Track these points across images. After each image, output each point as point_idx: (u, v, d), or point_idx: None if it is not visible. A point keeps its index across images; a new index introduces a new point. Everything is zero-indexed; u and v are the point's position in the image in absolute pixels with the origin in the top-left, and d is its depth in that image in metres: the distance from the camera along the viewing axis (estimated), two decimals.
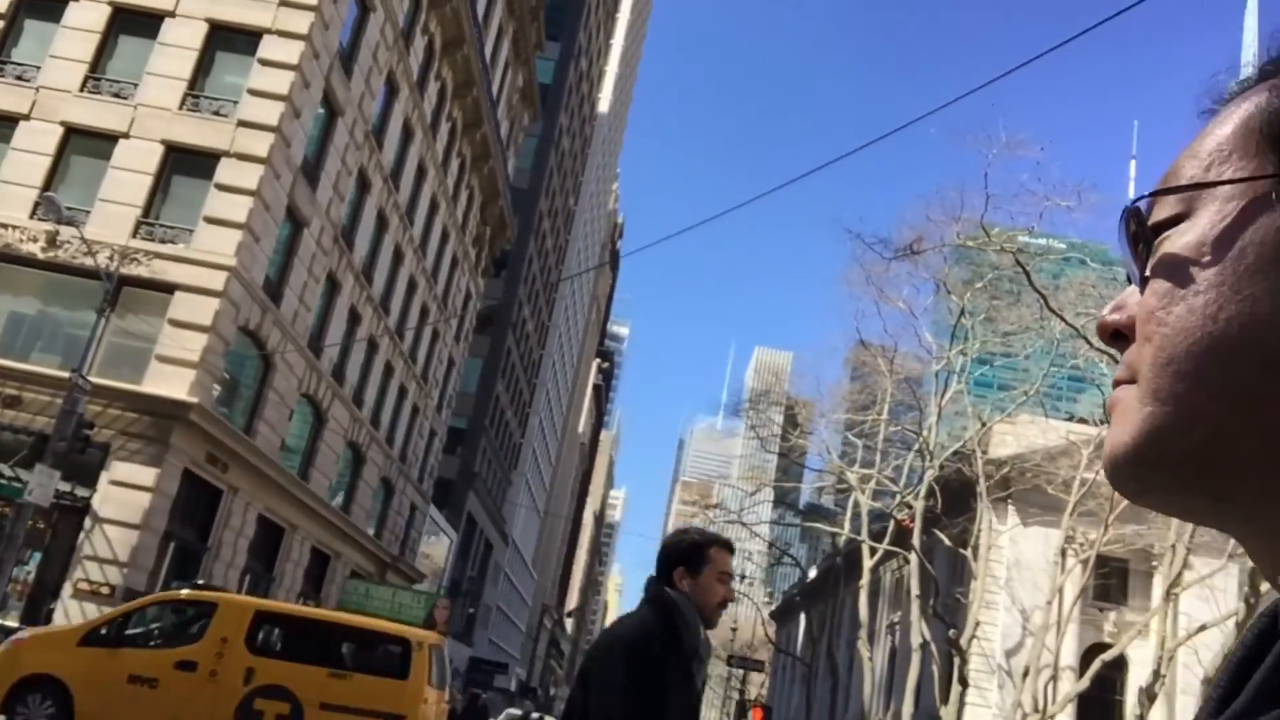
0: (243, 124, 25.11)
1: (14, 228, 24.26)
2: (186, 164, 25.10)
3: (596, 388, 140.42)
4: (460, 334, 50.24)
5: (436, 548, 54.18)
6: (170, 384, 23.17)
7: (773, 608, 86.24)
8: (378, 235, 34.72)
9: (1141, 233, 0.63)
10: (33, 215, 24.48)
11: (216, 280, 23.96)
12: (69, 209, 24.53)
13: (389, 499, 42.05)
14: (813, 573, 64.24)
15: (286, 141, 25.74)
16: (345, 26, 28.45)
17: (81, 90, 25.50)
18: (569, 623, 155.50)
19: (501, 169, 48.78)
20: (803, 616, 66.19)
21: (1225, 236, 0.57)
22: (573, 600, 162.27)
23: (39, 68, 25.75)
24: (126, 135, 25.05)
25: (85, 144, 25.22)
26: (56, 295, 24.72)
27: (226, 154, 24.91)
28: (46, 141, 25.05)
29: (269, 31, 25.93)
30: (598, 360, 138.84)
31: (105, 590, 22.11)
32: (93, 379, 22.97)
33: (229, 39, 26.09)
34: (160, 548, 23.62)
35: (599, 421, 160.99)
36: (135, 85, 25.55)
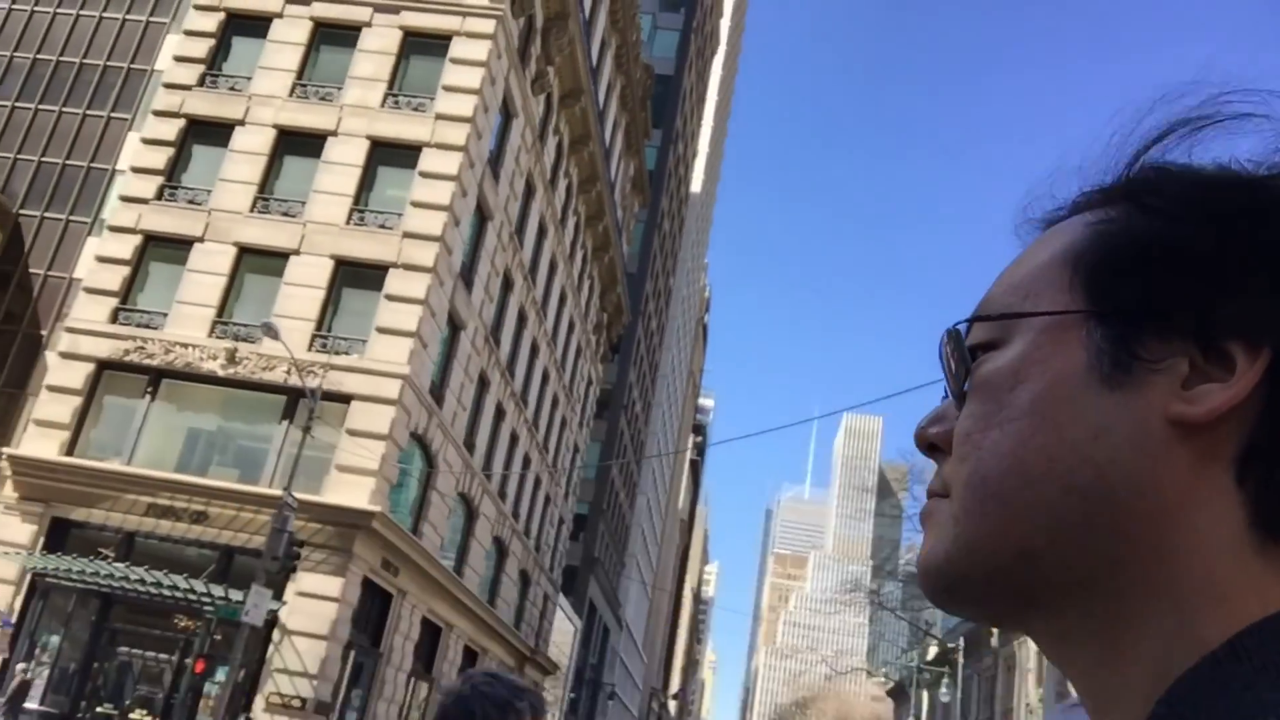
0: (408, 235, 25.83)
1: (194, 347, 25.13)
2: (356, 277, 25.84)
3: (693, 463, 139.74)
4: (582, 420, 50.53)
5: (564, 636, 53.86)
6: (351, 493, 23.55)
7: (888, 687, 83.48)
8: (518, 331, 35.25)
9: (960, 354, 0.65)
10: (211, 334, 25.36)
11: (391, 388, 24.45)
12: (245, 325, 25.50)
13: (526, 590, 42.03)
14: (933, 649, 62.18)
15: (449, 249, 26.39)
16: (492, 134, 29.25)
17: (251, 211, 26.53)
18: (672, 705, 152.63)
19: (620, 258, 49.43)
20: (925, 695, 63.94)
21: (1036, 366, 0.61)
22: (675, 681, 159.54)
23: (210, 191, 26.89)
24: (297, 252, 25.93)
25: (258, 262, 26.15)
26: (235, 410, 25.44)
27: (394, 265, 25.60)
28: (221, 262, 26.03)
29: (428, 145, 26.76)
30: (692, 435, 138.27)
31: (296, 703, 22.29)
32: (274, 491, 23.54)
33: (390, 154, 26.98)
34: (343, 657, 23.80)
35: (695, 496, 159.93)
36: (303, 203, 26.50)
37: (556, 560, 48.42)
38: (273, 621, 22.80)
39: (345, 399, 24.47)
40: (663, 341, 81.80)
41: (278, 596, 22.80)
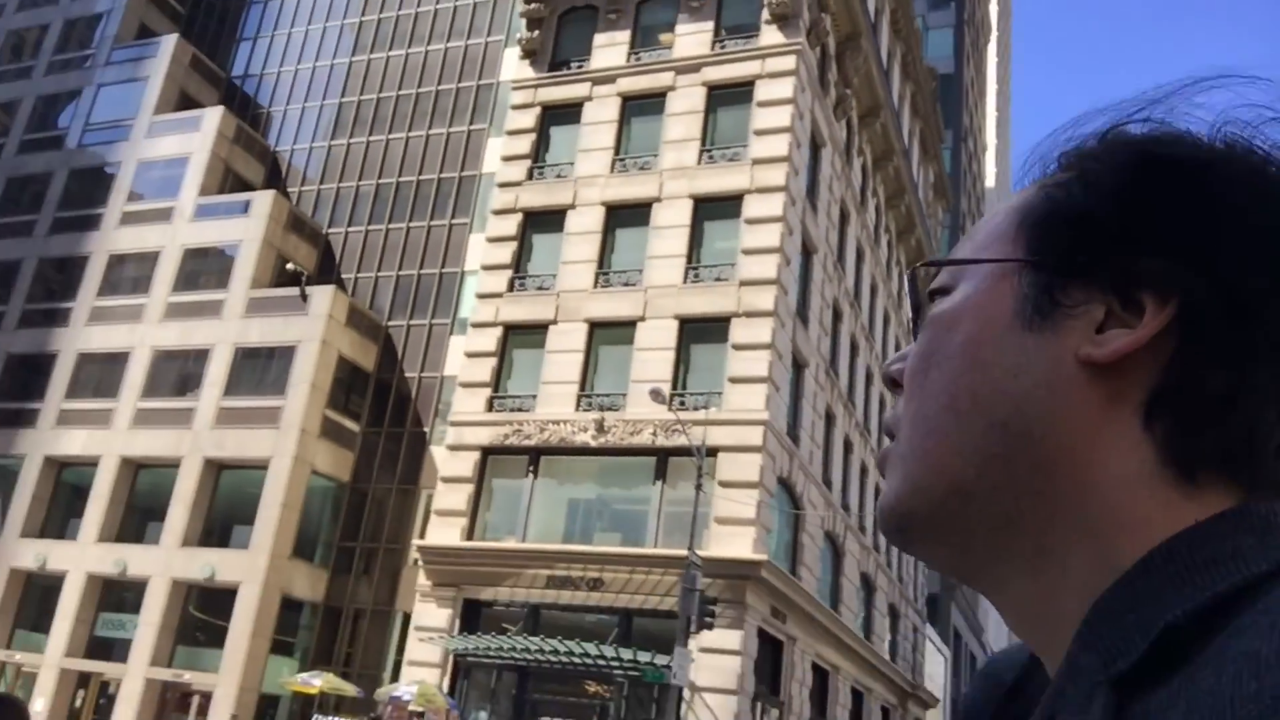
0: (744, 283, 25.99)
1: (564, 422, 26.37)
2: (700, 332, 26.27)
3: None
4: None
5: (936, 667, 51.80)
6: (733, 544, 23.66)
7: None
8: (852, 360, 34.61)
9: (915, 296, 0.70)
10: (577, 408, 26.55)
11: (754, 436, 24.50)
12: (606, 395, 26.52)
13: (895, 624, 40.76)
14: None
15: (784, 290, 26.31)
16: (805, 168, 29.04)
17: (595, 287, 27.67)
18: None
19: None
20: None
21: (971, 309, 0.65)
22: None
23: (554, 275, 28.34)
24: (643, 318, 26.73)
25: (608, 334, 27.19)
26: (610, 477, 26.41)
27: (736, 315, 25.80)
28: (575, 339, 27.27)
29: (749, 192, 26.93)
30: None
31: None
32: (661, 551, 24.13)
33: (713, 208, 27.37)
34: (752, 709, 23.82)
35: None
36: (640, 271, 27.35)
37: (919, 590, 46.76)
38: (647, 679, 23.18)
39: (711, 452, 24.74)
40: None
41: (668, 654, 23.22)
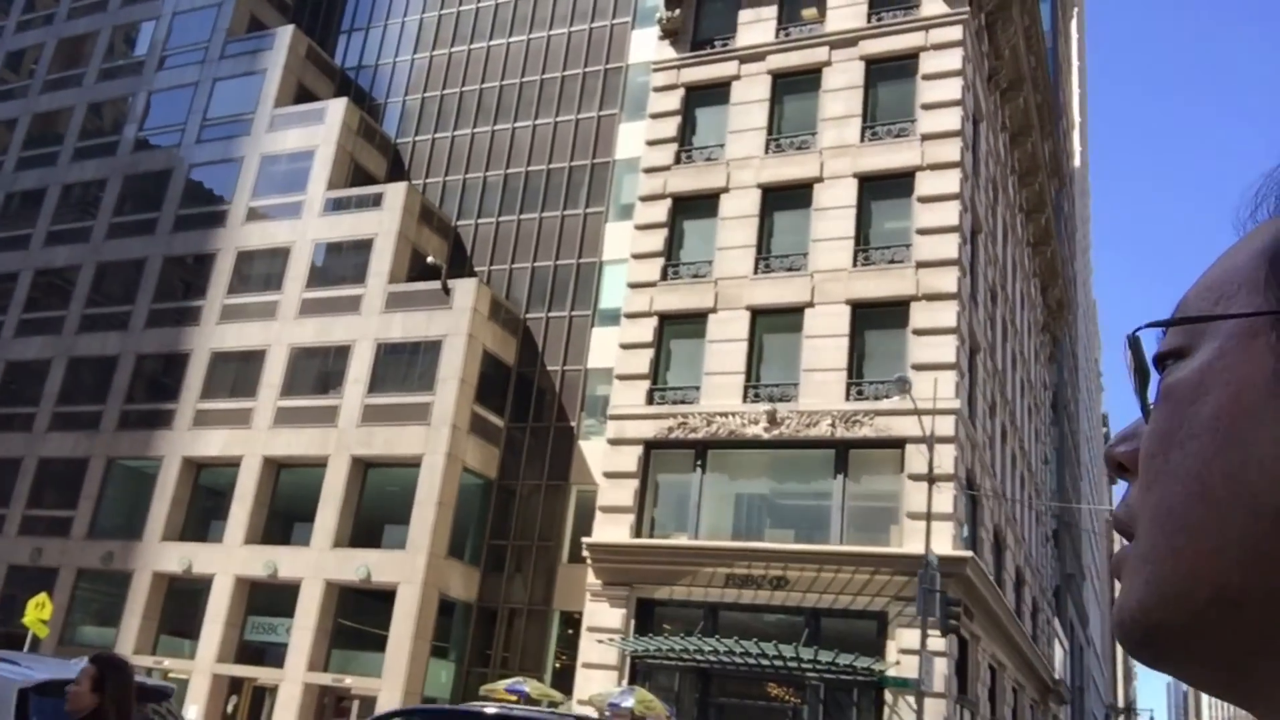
0: (922, 265, 24.76)
1: (732, 415, 25.31)
2: (875, 317, 25.09)
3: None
4: (1047, 430, 47.26)
5: (1058, 660, 50.25)
6: (924, 540, 22.46)
7: None
8: (1003, 347, 33.19)
9: (1139, 363, 0.58)
10: (745, 399, 25.46)
11: (946, 426, 23.27)
12: (776, 386, 25.40)
13: (1035, 618, 39.32)
14: None
15: (964, 271, 25.05)
16: (970, 143, 27.71)
17: (755, 273, 26.56)
18: None
19: (1059, 249, 46.04)
20: None
21: (1219, 374, 0.53)
22: (1120, 693, 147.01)
23: (710, 262, 27.26)
24: (810, 304, 25.58)
25: (773, 321, 26.08)
26: (785, 471, 25.30)
27: (915, 298, 24.58)
28: (737, 328, 26.19)
29: (920, 168, 25.67)
30: (1101, 426, 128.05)
31: None
32: (845, 548, 23.04)
33: (881, 187, 26.17)
34: (954, 713, 22.64)
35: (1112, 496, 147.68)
36: (804, 255, 26.20)
37: (1049, 581, 45.27)
38: (880, 683, 22.12)
39: (898, 444, 23.59)
40: (1074, 332, 75.98)
41: (880, 655, 22.13)
